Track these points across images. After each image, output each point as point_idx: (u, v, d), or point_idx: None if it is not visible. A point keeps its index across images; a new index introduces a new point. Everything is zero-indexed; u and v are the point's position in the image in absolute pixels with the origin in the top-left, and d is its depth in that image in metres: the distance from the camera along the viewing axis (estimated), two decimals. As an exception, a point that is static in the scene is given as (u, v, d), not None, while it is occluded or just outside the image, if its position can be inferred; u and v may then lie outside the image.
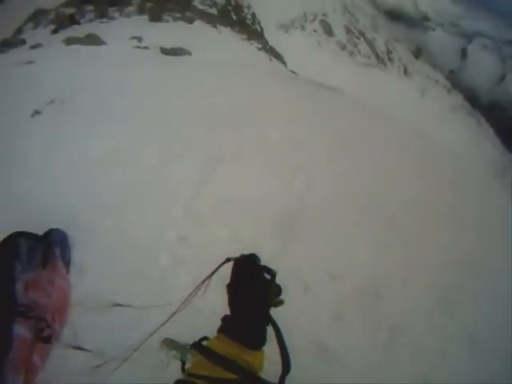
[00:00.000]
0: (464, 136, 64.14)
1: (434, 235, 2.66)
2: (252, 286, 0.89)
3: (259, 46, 14.64)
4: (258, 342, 0.87)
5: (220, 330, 0.88)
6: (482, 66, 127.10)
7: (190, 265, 2.15)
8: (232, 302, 0.90)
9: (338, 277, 2.27)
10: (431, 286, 2.32)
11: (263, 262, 0.95)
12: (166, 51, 8.07)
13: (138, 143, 3.02)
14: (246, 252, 0.93)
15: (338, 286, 2.22)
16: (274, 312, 0.95)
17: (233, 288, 0.90)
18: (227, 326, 0.88)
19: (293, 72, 12.67)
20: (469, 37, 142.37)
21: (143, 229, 2.32)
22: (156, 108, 3.60)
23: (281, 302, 0.92)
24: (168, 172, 2.75)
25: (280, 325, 0.91)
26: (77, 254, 2.08)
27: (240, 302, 0.89)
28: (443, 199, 3.08)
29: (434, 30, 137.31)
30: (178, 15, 15.24)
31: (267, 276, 0.90)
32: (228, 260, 0.94)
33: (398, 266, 2.40)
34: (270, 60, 13.00)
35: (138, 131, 3.17)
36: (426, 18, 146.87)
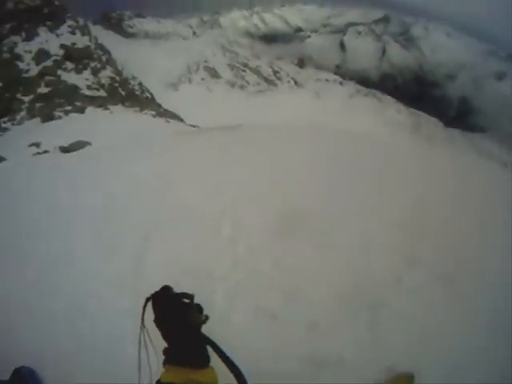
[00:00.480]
0: (369, 114, 70.54)
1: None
2: (174, 314, 0.95)
3: (153, 112, 15.10)
4: (201, 361, 0.94)
5: (165, 363, 0.94)
6: (362, 50, 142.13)
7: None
8: (164, 335, 0.95)
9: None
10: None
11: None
12: (65, 149, 8.09)
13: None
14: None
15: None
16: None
17: (160, 322, 0.95)
18: (169, 357, 0.94)
19: (193, 126, 13.21)
20: (342, 30, 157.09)
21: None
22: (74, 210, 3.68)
23: (206, 318, 0.99)
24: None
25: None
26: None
27: (170, 331, 0.95)
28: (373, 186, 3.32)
29: (309, 37, 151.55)
30: (69, 108, 15.26)
31: (186, 300, 0.97)
32: (148, 299, 0.98)
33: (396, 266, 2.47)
34: (168, 122, 13.49)
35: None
36: (298, 30, 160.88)
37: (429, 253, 2.53)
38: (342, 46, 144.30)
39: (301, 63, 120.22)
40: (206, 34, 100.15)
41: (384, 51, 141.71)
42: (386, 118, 69.61)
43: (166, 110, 16.62)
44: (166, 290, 0.99)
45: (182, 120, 15.93)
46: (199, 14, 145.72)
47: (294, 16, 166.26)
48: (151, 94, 19.49)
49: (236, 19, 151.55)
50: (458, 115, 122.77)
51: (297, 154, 4.06)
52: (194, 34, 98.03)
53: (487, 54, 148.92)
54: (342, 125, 31.13)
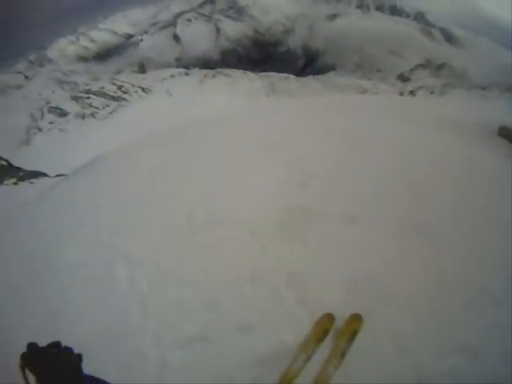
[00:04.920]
0: (224, 92, 71.74)
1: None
2: (49, 367, 0.97)
3: (14, 180, 14.79)
4: None
5: None
6: (197, 36, 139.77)
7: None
8: None
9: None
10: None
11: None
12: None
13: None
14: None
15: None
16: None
17: (41, 380, 0.96)
18: None
19: (59, 175, 13.21)
20: (171, 23, 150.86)
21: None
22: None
23: (80, 358, 1.04)
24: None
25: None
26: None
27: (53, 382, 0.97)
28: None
29: (141, 40, 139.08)
30: None
31: (55, 350, 1.01)
32: (22, 364, 0.99)
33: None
34: (32, 183, 13.48)
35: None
36: (129, 37, 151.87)
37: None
38: (177, 38, 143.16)
39: (142, 69, 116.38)
40: (39, 74, 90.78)
41: (218, 30, 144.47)
42: (240, 90, 72.20)
43: (26, 172, 16.12)
44: (32, 346, 0.99)
45: (45, 174, 15.75)
46: (24, 56, 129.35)
47: (120, 24, 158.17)
48: (6, 160, 18.08)
49: (63, 47, 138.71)
50: (307, 63, 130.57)
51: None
52: (27, 78, 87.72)
53: (316, 1, 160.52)
54: (196, 113, 31.46)
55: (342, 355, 2.04)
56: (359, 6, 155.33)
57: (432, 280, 2.56)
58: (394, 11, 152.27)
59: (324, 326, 2.18)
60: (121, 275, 3.16)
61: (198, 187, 4.11)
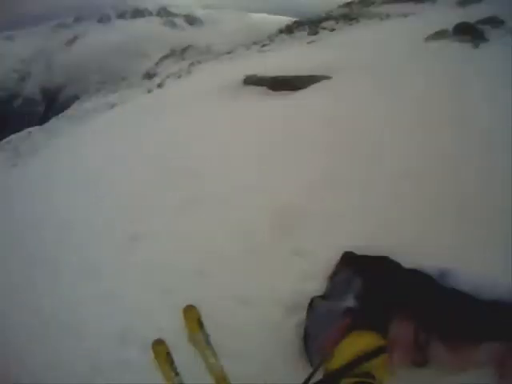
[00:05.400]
0: None
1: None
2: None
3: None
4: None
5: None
6: None
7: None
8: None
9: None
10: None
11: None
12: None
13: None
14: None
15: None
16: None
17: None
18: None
19: None
20: None
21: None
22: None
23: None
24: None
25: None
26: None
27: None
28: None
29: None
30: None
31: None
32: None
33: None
34: None
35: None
36: None
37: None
38: None
39: None
40: None
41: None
42: None
43: None
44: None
45: None
46: None
47: None
48: None
49: None
50: (48, 105, 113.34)
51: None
52: None
53: (56, 29, 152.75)
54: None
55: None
56: (100, 20, 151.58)
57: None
58: (137, 14, 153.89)
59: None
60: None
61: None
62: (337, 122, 3.52)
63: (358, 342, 1.21)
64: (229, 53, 15.78)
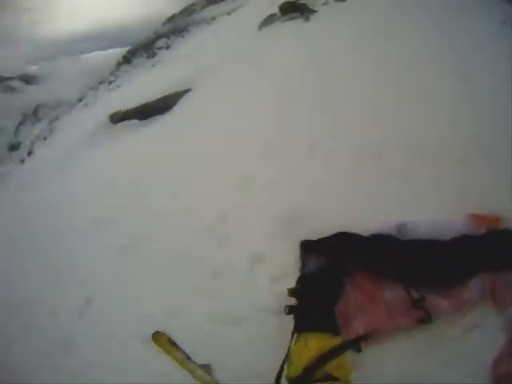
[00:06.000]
0: None
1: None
2: None
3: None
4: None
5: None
6: None
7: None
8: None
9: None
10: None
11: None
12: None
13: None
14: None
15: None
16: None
17: None
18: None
19: None
20: None
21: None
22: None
23: None
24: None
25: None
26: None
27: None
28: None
29: None
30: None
31: None
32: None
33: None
34: None
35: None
36: None
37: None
38: None
39: None
40: None
41: None
42: None
43: None
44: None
45: None
46: None
47: None
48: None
49: None
50: None
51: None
52: None
53: None
54: None
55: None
56: None
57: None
58: None
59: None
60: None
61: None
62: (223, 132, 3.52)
63: (311, 346, 1.13)
64: (80, 100, 14.87)
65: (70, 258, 2.96)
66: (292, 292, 1.26)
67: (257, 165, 2.84)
